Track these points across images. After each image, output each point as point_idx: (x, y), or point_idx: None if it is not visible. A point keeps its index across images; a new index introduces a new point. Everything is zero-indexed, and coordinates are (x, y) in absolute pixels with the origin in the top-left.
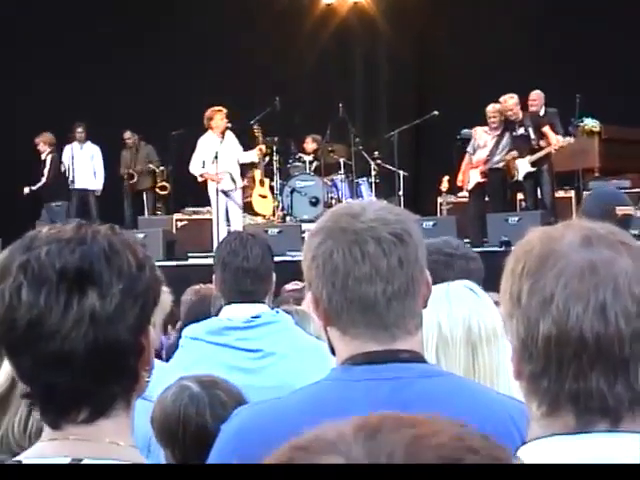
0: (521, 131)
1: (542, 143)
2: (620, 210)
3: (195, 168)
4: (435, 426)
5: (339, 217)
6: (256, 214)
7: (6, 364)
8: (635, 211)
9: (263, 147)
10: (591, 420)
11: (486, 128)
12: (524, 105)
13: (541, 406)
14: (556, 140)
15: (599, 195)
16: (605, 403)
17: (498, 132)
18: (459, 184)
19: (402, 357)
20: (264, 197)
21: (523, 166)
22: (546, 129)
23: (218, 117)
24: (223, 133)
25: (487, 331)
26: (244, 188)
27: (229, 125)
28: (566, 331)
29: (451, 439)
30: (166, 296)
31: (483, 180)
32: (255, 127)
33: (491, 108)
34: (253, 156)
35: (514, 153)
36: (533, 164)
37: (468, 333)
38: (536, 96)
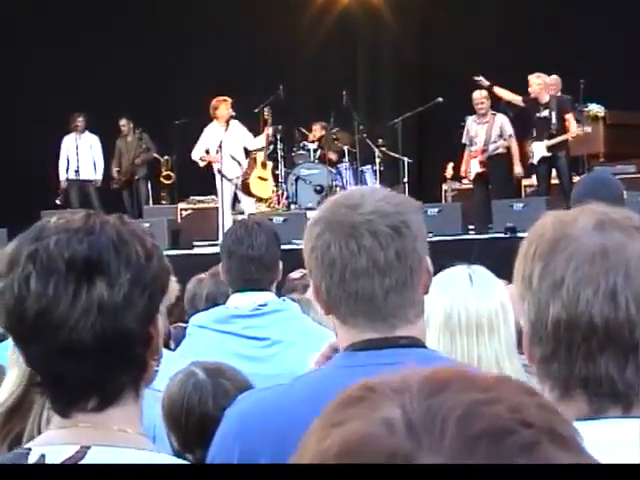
0: (545, 113)
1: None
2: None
3: (196, 154)
4: (500, 393)
5: (338, 208)
6: (252, 195)
7: (11, 373)
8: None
9: (270, 130)
10: (603, 406)
11: (474, 117)
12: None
13: (553, 390)
14: (575, 128)
15: (587, 180)
16: (615, 388)
17: (487, 119)
18: (462, 174)
19: (402, 343)
20: (264, 180)
21: (539, 150)
22: (569, 116)
23: (223, 107)
24: (227, 122)
25: (469, 320)
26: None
27: (233, 114)
28: (575, 315)
29: (507, 410)
30: (173, 285)
31: (483, 170)
32: (265, 110)
33: (478, 95)
34: (262, 141)
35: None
36: (549, 149)
37: (447, 321)
38: (554, 81)
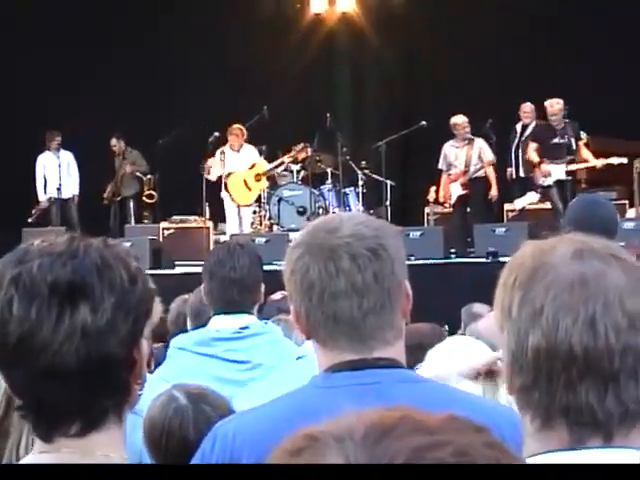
0: (564, 139)
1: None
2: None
3: (214, 174)
4: (445, 435)
5: (317, 232)
6: (227, 191)
7: None
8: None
9: (286, 160)
10: (583, 435)
11: (452, 142)
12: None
13: (534, 420)
14: (589, 154)
15: (581, 202)
16: (595, 418)
17: (465, 142)
18: (441, 200)
19: (380, 364)
20: (248, 188)
21: (557, 172)
22: (580, 143)
23: (233, 136)
24: (239, 149)
25: None
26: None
27: (242, 142)
28: (555, 344)
29: (452, 454)
30: (157, 306)
31: (465, 192)
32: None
33: (460, 119)
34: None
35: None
36: (568, 173)
37: None
38: (529, 108)
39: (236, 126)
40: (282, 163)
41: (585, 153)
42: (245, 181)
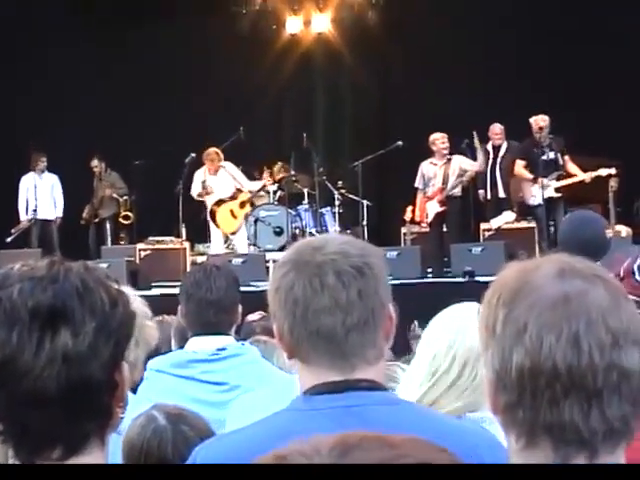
0: (551, 155)
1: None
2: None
3: (194, 191)
4: (407, 450)
5: (303, 249)
6: (216, 223)
7: None
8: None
9: (267, 183)
10: (568, 453)
11: (430, 160)
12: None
13: (519, 438)
14: (577, 169)
15: (573, 219)
16: (580, 435)
17: (444, 160)
18: (417, 219)
19: (361, 385)
20: (234, 217)
21: (546, 190)
22: (567, 158)
23: (209, 161)
24: (217, 171)
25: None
26: (219, 201)
27: (221, 164)
28: (539, 362)
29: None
30: (152, 331)
31: (442, 209)
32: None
33: (439, 135)
34: (258, 186)
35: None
36: (557, 190)
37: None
38: (499, 130)
39: (212, 150)
40: (264, 186)
41: (572, 168)
42: (232, 211)
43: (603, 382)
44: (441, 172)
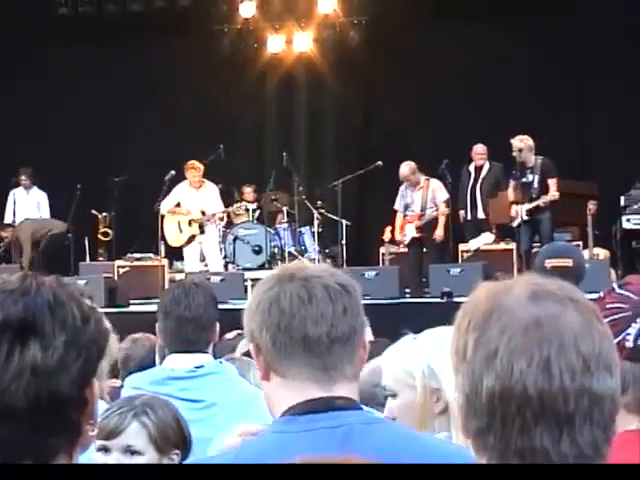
0: (529, 177)
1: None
2: (549, 263)
3: (164, 207)
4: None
5: (287, 268)
6: (162, 230)
7: None
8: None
9: (222, 214)
10: None
11: (408, 184)
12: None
13: (491, 463)
14: (551, 196)
15: (543, 251)
16: (550, 460)
17: (420, 185)
18: (397, 239)
19: (340, 404)
20: (180, 231)
21: (523, 213)
22: (552, 181)
23: (190, 173)
24: (198, 187)
25: None
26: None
27: (203, 181)
28: (510, 386)
29: None
30: (114, 343)
31: (419, 235)
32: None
33: (406, 170)
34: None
35: None
36: (528, 213)
37: None
38: (482, 150)
39: (192, 161)
40: (222, 218)
41: (551, 191)
42: (179, 222)
43: (574, 407)
44: (418, 197)
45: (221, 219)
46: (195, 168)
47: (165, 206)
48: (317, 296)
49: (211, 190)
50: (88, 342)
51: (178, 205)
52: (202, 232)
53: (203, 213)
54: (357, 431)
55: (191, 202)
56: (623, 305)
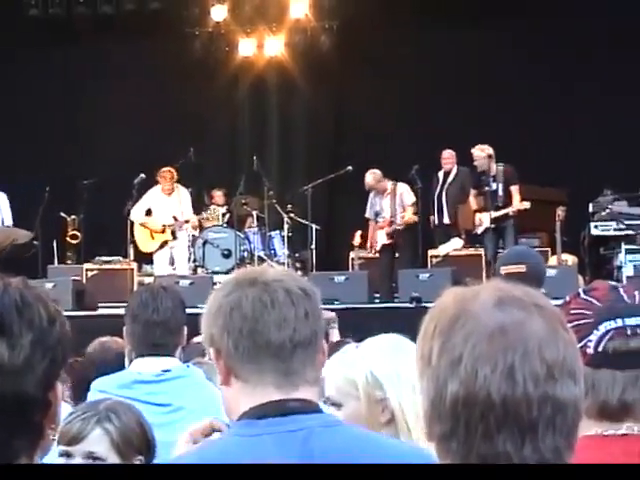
0: (493, 186)
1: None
2: (503, 269)
3: (136, 215)
4: None
5: (246, 273)
6: (132, 235)
7: None
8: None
9: (195, 222)
10: None
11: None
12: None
13: None
14: (518, 203)
15: (511, 253)
16: None
17: (388, 191)
18: (369, 247)
19: (298, 407)
20: (152, 238)
21: (486, 221)
22: (514, 188)
23: (163, 180)
24: (170, 193)
25: None
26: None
27: (177, 186)
28: (473, 392)
29: None
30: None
31: (390, 242)
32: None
33: (370, 179)
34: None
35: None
36: (492, 221)
37: None
38: (449, 155)
39: (165, 169)
40: (195, 227)
41: (514, 199)
42: (153, 232)
43: (537, 414)
44: (387, 203)
45: (194, 227)
46: (166, 178)
47: (136, 213)
48: (279, 300)
49: (183, 195)
50: (54, 343)
51: (149, 211)
52: (174, 238)
53: (175, 218)
54: (317, 434)
55: (163, 208)
56: (587, 311)
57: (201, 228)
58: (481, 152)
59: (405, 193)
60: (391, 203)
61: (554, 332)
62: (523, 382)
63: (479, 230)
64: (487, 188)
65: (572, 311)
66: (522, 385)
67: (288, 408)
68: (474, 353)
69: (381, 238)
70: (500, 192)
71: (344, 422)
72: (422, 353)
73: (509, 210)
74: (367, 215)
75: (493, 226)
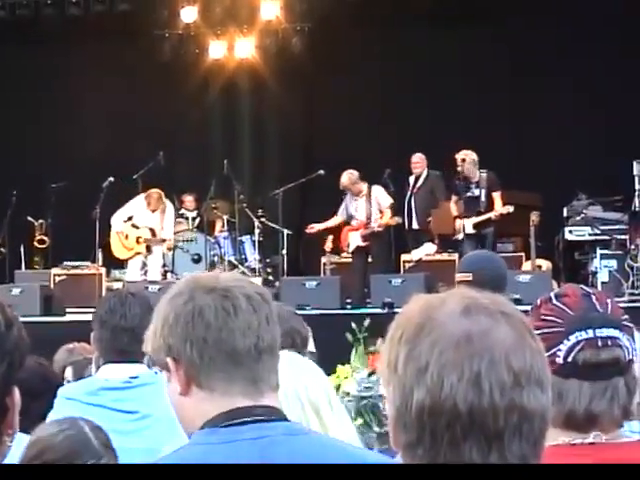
0: (476, 192)
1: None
2: (457, 277)
3: (115, 222)
4: None
5: (198, 279)
6: (110, 250)
7: None
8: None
9: (171, 244)
10: None
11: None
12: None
13: None
14: (500, 207)
15: (471, 258)
16: None
17: (363, 192)
18: (344, 248)
19: (266, 415)
20: (128, 249)
21: (467, 227)
22: (496, 194)
23: (149, 199)
24: (154, 210)
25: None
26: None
27: (165, 203)
28: (440, 401)
29: None
30: None
31: (365, 244)
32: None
33: (346, 180)
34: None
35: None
36: (475, 226)
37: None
38: (418, 158)
39: (154, 191)
40: (170, 248)
41: (497, 205)
42: (127, 236)
43: (504, 423)
44: (362, 205)
45: (169, 248)
46: (153, 198)
47: (117, 220)
48: (242, 307)
49: (168, 212)
50: (11, 348)
51: (130, 219)
52: (149, 252)
53: (153, 233)
54: (279, 443)
55: (144, 220)
56: (557, 319)
57: (147, 249)
58: (465, 157)
59: (380, 196)
60: (366, 205)
61: (521, 340)
62: (489, 390)
63: (460, 236)
64: (469, 194)
65: (542, 317)
66: (488, 394)
67: (253, 415)
68: (440, 361)
69: (355, 240)
70: (483, 198)
71: (310, 431)
72: (388, 360)
73: (492, 214)
74: (339, 214)
75: (474, 231)
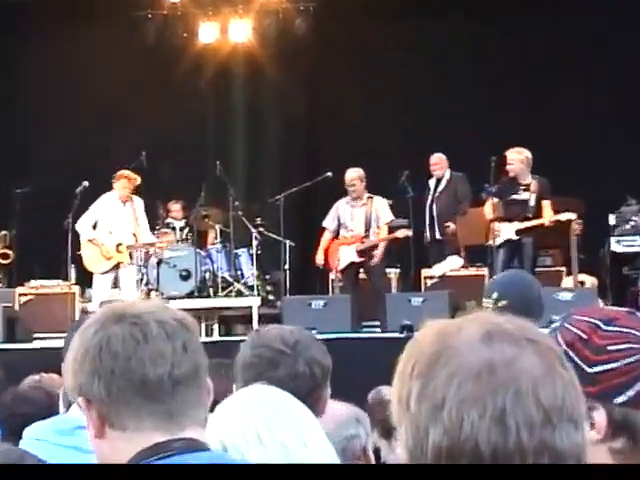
0: (524, 196)
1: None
2: (485, 303)
3: (83, 228)
4: None
5: (111, 308)
6: (78, 262)
7: None
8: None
9: (164, 244)
10: None
11: (347, 199)
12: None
13: None
14: (551, 215)
15: (502, 280)
16: None
17: (362, 201)
18: (319, 262)
19: (187, 447)
20: (107, 258)
21: (506, 232)
22: (545, 203)
23: (120, 183)
24: (125, 202)
25: None
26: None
27: (131, 196)
28: (459, 442)
29: None
30: None
31: (360, 260)
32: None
33: (352, 174)
34: (151, 240)
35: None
36: (518, 232)
37: None
38: (438, 159)
39: (124, 173)
40: (153, 244)
41: (546, 213)
42: (102, 244)
43: None
44: (360, 215)
45: (160, 248)
46: (129, 178)
47: (83, 226)
48: (152, 334)
49: (138, 206)
50: None
51: (95, 226)
52: (132, 261)
53: (134, 235)
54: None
55: (115, 220)
56: (635, 345)
57: (130, 257)
58: (518, 155)
59: (381, 209)
60: (366, 215)
61: (551, 370)
62: (516, 429)
63: (497, 241)
64: (514, 196)
65: (610, 347)
66: (515, 433)
67: (172, 448)
68: (459, 395)
69: (348, 255)
70: (532, 202)
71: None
72: (399, 397)
73: (544, 220)
74: (325, 224)
75: (515, 238)
